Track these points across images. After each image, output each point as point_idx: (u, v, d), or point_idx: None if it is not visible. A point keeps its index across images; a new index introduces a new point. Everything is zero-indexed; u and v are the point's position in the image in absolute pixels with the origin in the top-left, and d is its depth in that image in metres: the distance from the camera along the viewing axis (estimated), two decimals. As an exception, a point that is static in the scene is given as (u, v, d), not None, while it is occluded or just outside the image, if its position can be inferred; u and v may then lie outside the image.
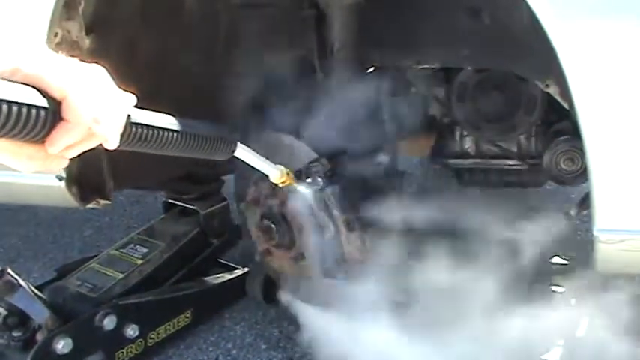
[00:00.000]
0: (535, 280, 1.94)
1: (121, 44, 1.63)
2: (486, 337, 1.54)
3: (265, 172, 1.25)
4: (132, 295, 1.95)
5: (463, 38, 1.67)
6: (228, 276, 2.22)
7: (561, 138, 1.81)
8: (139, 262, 2.06)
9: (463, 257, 1.59)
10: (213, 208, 2.26)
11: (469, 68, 1.85)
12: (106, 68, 0.71)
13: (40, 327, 1.74)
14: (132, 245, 2.15)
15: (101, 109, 0.67)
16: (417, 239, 1.61)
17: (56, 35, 1.44)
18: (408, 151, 2.20)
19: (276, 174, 1.27)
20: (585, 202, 1.71)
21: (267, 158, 1.22)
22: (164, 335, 1.98)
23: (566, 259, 2.28)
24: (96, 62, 0.71)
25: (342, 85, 1.72)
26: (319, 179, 1.53)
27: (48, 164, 0.68)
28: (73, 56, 0.69)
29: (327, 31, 1.77)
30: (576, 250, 2.20)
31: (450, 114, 1.96)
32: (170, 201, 2.33)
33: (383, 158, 1.74)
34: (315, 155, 1.58)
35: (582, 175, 1.73)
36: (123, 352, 1.86)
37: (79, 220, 3.01)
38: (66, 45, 1.46)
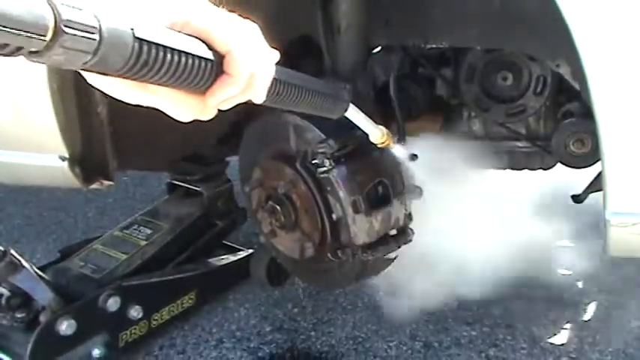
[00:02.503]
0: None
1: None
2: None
3: (367, 132, 1.31)
4: (135, 276, 1.94)
5: (472, 17, 1.64)
6: (232, 258, 2.22)
7: (571, 119, 1.78)
8: (143, 243, 2.05)
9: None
10: (217, 190, 2.24)
11: (478, 48, 1.82)
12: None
13: (43, 308, 1.74)
14: (135, 226, 2.14)
15: (258, 64, 0.71)
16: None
17: None
18: (415, 133, 2.16)
19: (377, 134, 1.33)
20: (595, 184, 1.68)
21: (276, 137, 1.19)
22: (168, 317, 1.98)
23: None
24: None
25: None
26: (326, 160, 1.51)
27: (202, 114, 0.72)
28: (231, 11, 0.71)
29: (333, 9, 1.73)
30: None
31: (458, 95, 1.93)
32: (174, 182, 2.31)
33: None
34: (322, 136, 1.55)
35: (592, 157, 1.71)
36: (126, 334, 1.86)
37: (82, 201, 3.00)
38: None
